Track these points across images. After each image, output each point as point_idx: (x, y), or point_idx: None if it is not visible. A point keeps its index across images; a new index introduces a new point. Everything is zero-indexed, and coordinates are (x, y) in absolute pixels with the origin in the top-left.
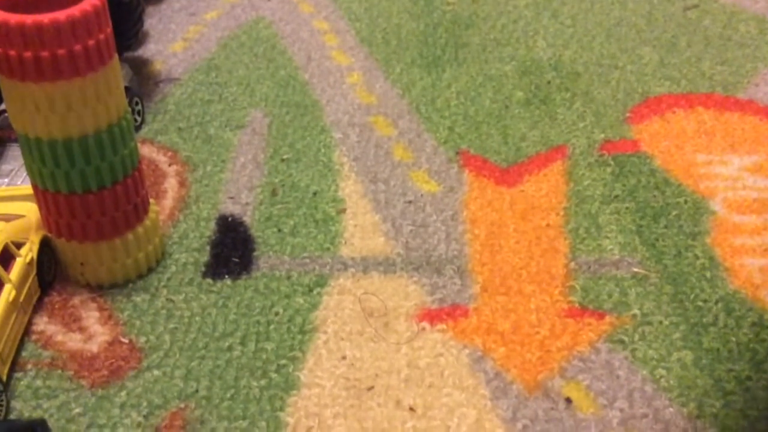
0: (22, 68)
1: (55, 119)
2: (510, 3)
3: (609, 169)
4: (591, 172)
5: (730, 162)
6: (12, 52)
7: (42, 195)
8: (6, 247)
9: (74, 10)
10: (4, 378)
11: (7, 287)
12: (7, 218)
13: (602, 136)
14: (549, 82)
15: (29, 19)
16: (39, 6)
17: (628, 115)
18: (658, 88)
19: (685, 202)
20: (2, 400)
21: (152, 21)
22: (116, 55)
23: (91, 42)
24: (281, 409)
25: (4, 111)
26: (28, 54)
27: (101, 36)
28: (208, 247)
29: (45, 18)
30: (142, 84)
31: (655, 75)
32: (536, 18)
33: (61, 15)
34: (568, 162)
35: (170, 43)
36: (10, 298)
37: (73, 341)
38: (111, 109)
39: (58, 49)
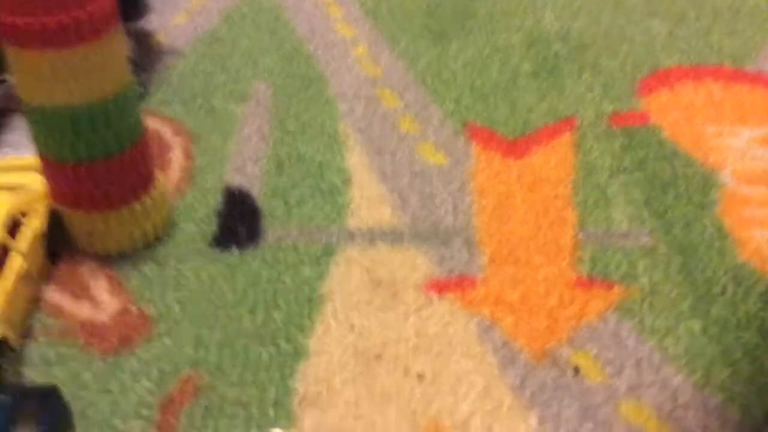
0: (27, 36)
1: (59, 87)
2: None
3: (618, 141)
4: (599, 143)
5: (739, 134)
6: (17, 20)
7: (48, 164)
8: (13, 217)
9: None
10: (16, 346)
11: (16, 257)
12: (14, 188)
13: (611, 108)
14: (557, 54)
15: None
16: None
17: (636, 87)
18: (667, 60)
19: (694, 173)
20: (14, 369)
21: None
22: (120, 24)
23: (95, 9)
24: (290, 376)
25: (3, 81)
26: (32, 21)
27: (105, 3)
28: (214, 218)
29: None
30: (145, 55)
31: (664, 47)
32: None
33: None
34: (577, 134)
35: (173, 14)
36: (19, 268)
37: (83, 310)
38: (115, 77)
39: (63, 16)
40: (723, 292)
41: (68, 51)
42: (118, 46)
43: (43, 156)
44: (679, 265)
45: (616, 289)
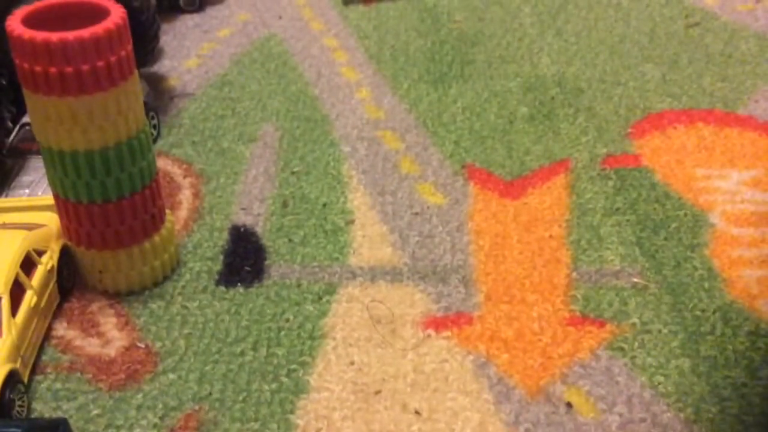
0: (47, 83)
1: (77, 132)
2: (515, 21)
3: (611, 183)
4: (593, 185)
5: (729, 176)
6: (38, 68)
7: (63, 204)
8: (28, 255)
9: (98, 29)
10: (26, 380)
11: (29, 293)
12: (29, 227)
13: (604, 150)
14: (553, 98)
15: (55, 36)
16: (64, 23)
17: (629, 130)
18: (660, 104)
19: (685, 215)
20: (23, 402)
21: (167, 38)
22: (136, 71)
23: (113, 58)
24: (291, 411)
25: (26, 124)
26: (53, 69)
27: (123, 53)
28: (221, 256)
29: (70, 35)
30: (158, 99)
31: (657, 91)
32: (541, 36)
33: (85, 33)
34: (571, 175)
35: (185, 59)
36: (32, 304)
37: (92, 346)
38: (130, 122)
39: (82, 65)
40: (712, 330)
41: (87, 98)
42: (134, 92)
43: (58, 196)
44: (670, 303)
45: (608, 327)
